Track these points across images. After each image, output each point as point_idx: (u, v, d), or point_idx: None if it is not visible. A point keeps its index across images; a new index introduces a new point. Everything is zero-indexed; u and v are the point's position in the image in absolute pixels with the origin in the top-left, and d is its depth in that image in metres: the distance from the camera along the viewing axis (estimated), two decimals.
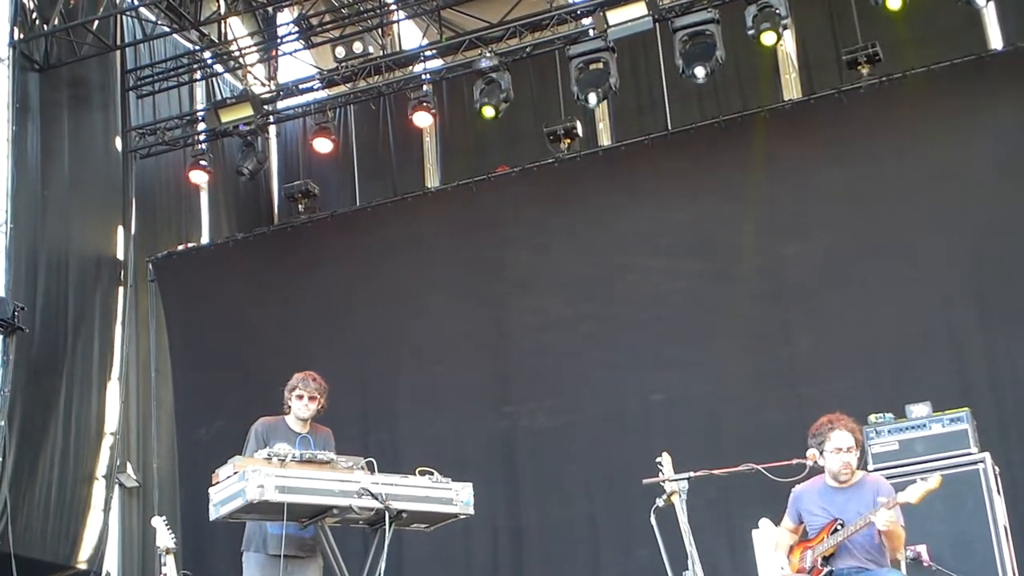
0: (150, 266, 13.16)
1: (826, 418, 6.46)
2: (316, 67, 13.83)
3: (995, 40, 11.66)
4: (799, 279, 10.95)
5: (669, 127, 12.06)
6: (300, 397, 7.04)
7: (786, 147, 11.35)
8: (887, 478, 6.87)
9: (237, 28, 14.42)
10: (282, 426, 7.11)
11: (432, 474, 6.65)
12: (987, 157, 10.51)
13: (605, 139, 13.01)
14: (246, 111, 12.52)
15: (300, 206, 13.26)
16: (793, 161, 11.30)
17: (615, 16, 11.07)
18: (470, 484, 6.77)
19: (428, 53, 13.14)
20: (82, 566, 11.41)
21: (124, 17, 13.02)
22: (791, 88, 12.52)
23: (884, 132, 10.94)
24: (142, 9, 12.96)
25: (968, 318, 10.24)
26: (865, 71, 11.12)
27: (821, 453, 6.39)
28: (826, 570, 6.33)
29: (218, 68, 14.38)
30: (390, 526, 6.32)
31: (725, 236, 11.28)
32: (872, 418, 8.09)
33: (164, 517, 7.38)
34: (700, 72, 10.91)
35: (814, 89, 11.85)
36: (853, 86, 11.09)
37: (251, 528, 6.85)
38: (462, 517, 6.78)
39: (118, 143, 13.10)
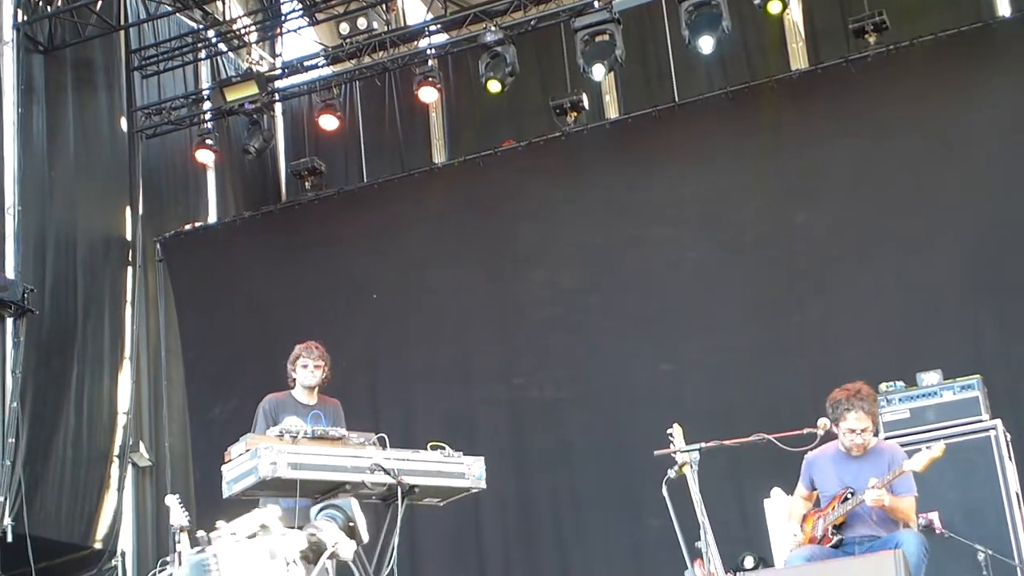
0: (158, 246, 13.18)
1: (845, 393, 6.35)
2: (321, 44, 13.77)
3: (1003, 6, 11.57)
4: (809, 249, 10.92)
5: (676, 99, 12.00)
6: (305, 366, 7.10)
7: (794, 117, 11.30)
8: None
9: (240, 6, 14.38)
10: (290, 401, 7.14)
11: (444, 448, 6.66)
12: (996, 124, 10.42)
13: (612, 112, 12.94)
14: (251, 89, 12.49)
15: (307, 184, 13.24)
16: (801, 131, 11.25)
17: None
18: (482, 458, 6.78)
19: (433, 28, 13.09)
20: (98, 545, 11.48)
21: None
22: (798, 58, 12.44)
23: (892, 101, 10.86)
24: None
25: (979, 286, 10.18)
26: (872, 39, 11.03)
27: (836, 424, 6.38)
28: (836, 538, 6.34)
29: (222, 47, 14.33)
30: (403, 501, 6.33)
31: (734, 207, 11.24)
32: (883, 387, 8.06)
33: (178, 495, 7.38)
34: (706, 42, 10.84)
35: (821, 58, 11.77)
36: (860, 55, 11.01)
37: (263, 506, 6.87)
38: (474, 491, 6.80)
39: (124, 123, 13.10)
